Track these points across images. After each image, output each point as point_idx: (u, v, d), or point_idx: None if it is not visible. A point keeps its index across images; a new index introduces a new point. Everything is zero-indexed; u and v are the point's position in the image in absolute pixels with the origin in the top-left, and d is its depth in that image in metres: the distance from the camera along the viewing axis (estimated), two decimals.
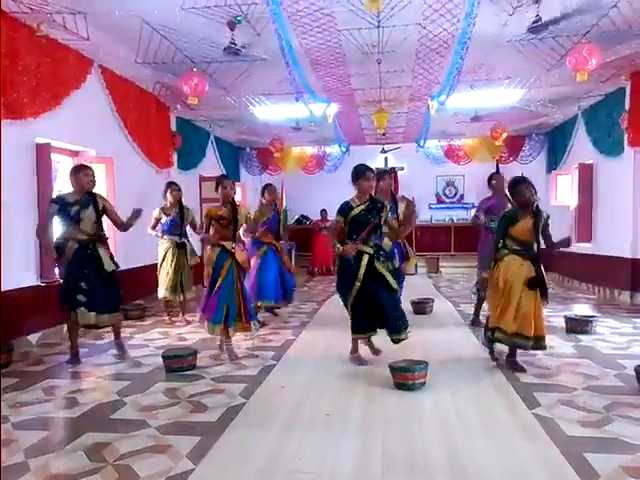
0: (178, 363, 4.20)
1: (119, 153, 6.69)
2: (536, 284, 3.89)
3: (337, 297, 8.29)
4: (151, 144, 7.70)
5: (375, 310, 4.12)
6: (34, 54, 5.03)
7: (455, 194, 14.15)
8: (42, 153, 5.31)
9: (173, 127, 8.75)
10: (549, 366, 4.12)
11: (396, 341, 4.14)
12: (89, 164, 4.80)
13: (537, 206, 3.99)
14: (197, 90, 5.80)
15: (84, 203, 4.38)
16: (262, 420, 3.13)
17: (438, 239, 12.28)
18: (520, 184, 4.01)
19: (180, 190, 6.21)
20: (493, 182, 5.64)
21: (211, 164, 10.64)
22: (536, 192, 4.00)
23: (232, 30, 5.24)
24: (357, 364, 4.27)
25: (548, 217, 4.04)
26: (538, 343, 3.94)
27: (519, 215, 3.99)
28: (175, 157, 8.78)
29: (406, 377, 3.61)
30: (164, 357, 4.25)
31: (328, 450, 2.70)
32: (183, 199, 6.24)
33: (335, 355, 4.59)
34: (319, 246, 12.05)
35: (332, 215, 12.57)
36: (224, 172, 11.14)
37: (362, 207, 4.14)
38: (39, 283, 5.30)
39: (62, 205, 4.35)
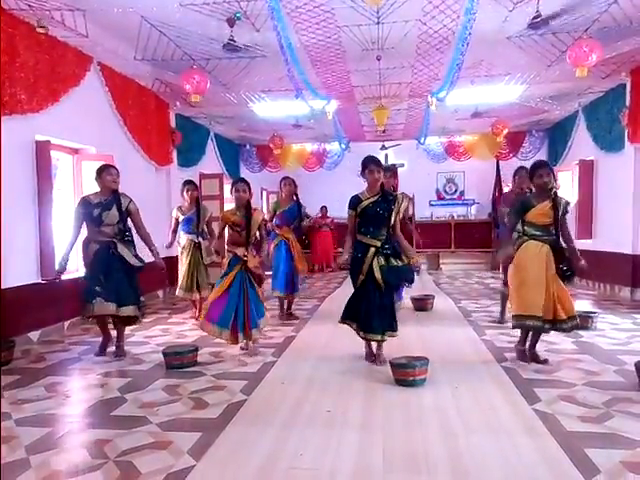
0: (179, 360, 4.21)
1: (119, 150, 6.68)
2: (565, 275, 3.92)
3: (337, 294, 8.38)
4: (151, 141, 7.70)
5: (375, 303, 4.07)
6: (33, 51, 5.02)
7: (455, 191, 14.16)
8: (42, 150, 5.31)
9: (173, 124, 8.74)
10: (549, 362, 4.12)
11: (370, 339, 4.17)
12: (111, 165, 4.74)
13: (555, 192, 4.02)
14: (199, 87, 5.79)
15: (107, 205, 4.39)
16: (263, 417, 3.14)
17: (438, 236, 12.28)
18: (541, 168, 4.04)
19: (196, 189, 6.29)
20: (516, 177, 5.59)
21: (211, 161, 10.63)
22: (556, 179, 4.02)
23: (231, 27, 5.23)
24: (365, 358, 4.28)
25: (567, 204, 4.06)
26: (569, 323, 3.95)
27: (534, 200, 4.03)
28: (175, 154, 8.78)
29: (407, 373, 3.62)
30: (165, 354, 4.26)
31: (329, 447, 2.70)
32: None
33: (336, 352, 4.60)
34: (319, 243, 12.06)
35: (331, 212, 12.59)
36: (224, 169, 11.14)
37: (371, 200, 4.08)
38: (40, 280, 5.30)
39: (85, 207, 4.38)
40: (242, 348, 4.58)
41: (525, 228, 4.05)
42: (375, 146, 12.17)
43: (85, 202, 4.43)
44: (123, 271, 4.41)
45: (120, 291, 4.37)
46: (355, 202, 4.13)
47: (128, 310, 4.42)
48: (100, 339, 4.72)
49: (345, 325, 4.25)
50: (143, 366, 4.31)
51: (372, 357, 4.24)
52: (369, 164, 4.10)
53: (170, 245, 6.22)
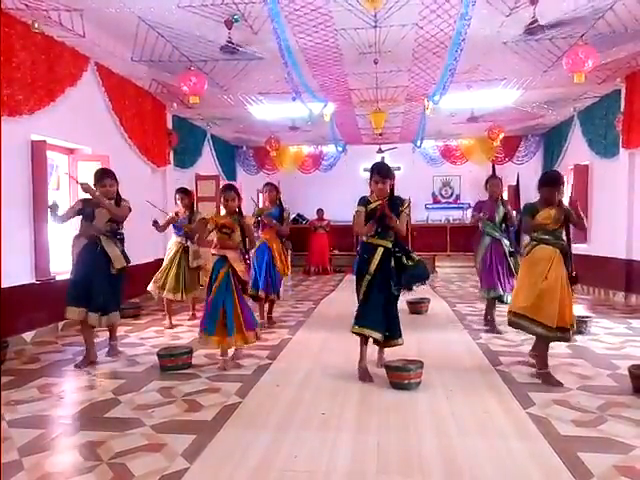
0: (173, 362, 4.19)
1: (115, 151, 6.66)
2: (573, 280, 3.93)
3: (333, 296, 8.38)
4: (147, 142, 7.69)
5: (382, 307, 3.92)
6: (29, 51, 5.01)
7: (451, 194, 14.21)
8: (38, 150, 5.29)
9: (169, 125, 8.73)
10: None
11: (389, 345, 4.04)
12: (109, 173, 4.55)
13: (560, 200, 3.91)
14: (196, 89, 5.79)
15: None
16: (257, 419, 3.14)
17: (434, 239, 12.31)
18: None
19: (188, 196, 6.18)
20: (488, 186, 5.65)
21: (207, 162, 10.63)
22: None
23: (229, 29, 5.23)
24: (360, 377, 3.91)
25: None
26: (563, 334, 3.75)
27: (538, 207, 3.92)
28: (171, 155, 8.76)
29: (402, 376, 3.63)
30: (159, 356, 4.24)
31: (323, 449, 2.70)
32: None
33: (331, 354, 4.60)
34: (315, 245, 12.06)
35: (327, 215, 12.52)
36: (220, 170, 11.13)
37: (378, 202, 3.97)
38: (34, 281, 5.28)
39: (84, 204, 4.40)
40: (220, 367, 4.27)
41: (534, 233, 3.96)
42: (372, 149, 12.19)
43: (85, 200, 4.43)
44: (107, 275, 4.37)
45: (104, 299, 4.32)
46: (364, 201, 4.05)
47: (110, 319, 4.42)
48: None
49: (345, 332, 4.13)
50: (137, 368, 4.29)
51: (370, 378, 3.94)
52: (373, 174, 4.02)
53: (156, 224, 5.84)
